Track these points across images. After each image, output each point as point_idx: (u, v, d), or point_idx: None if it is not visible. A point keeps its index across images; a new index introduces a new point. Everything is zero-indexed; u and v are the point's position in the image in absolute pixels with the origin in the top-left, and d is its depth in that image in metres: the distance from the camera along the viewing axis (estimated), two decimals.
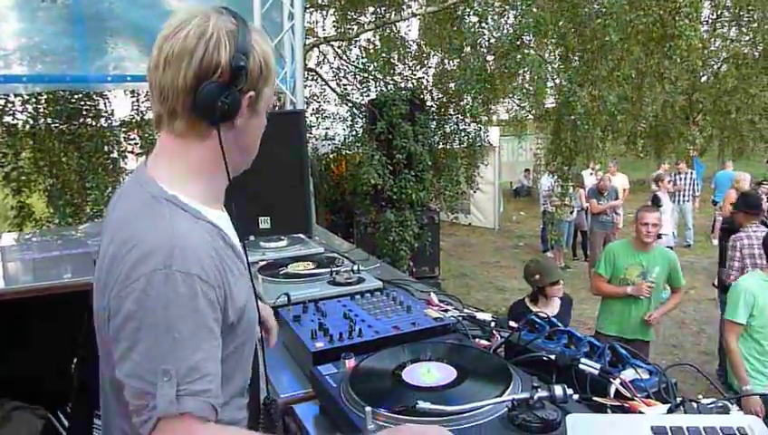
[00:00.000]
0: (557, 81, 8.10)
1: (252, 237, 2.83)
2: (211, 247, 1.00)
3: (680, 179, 10.27)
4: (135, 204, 1.03)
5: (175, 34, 0.99)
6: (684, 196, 10.23)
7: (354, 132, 7.55)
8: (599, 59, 6.98)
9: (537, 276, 3.68)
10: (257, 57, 1.03)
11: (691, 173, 10.41)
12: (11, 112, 6.06)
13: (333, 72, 9.12)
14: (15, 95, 5.82)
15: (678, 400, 1.12)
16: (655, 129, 14.75)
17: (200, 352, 0.93)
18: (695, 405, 1.09)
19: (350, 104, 7.74)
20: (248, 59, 1.01)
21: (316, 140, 8.17)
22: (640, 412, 1.11)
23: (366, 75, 7.67)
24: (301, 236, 2.88)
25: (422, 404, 1.05)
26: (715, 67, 14.63)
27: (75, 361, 1.06)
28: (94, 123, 6.48)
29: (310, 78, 8.83)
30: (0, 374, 2.78)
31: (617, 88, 7.21)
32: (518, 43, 7.00)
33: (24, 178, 5.97)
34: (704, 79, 14.53)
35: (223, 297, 1.00)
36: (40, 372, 2.60)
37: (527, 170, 16.68)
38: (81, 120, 6.37)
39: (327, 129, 8.28)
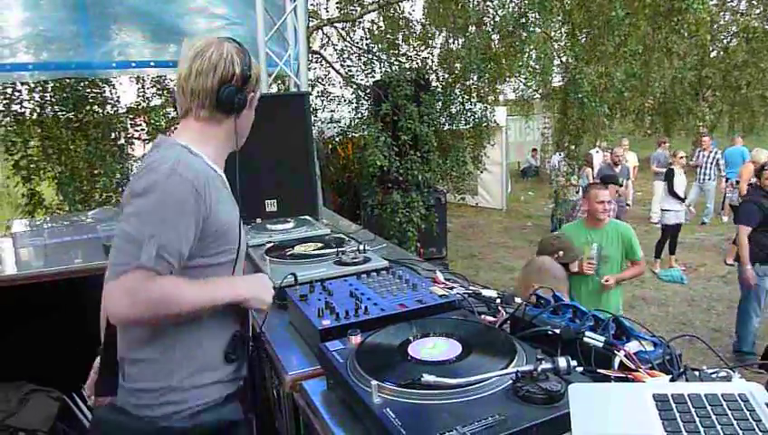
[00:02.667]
0: (563, 58, 8.02)
1: (259, 220, 2.85)
2: (207, 174, 1.41)
3: (703, 157, 9.99)
4: (153, 152, 1.45)
5: (201, 55, 1.44)
6: (706, 174, 10.03)
7: (359, 114, 7.53)
8: (605, 35, 6.90)
9: (561, 253, 3.63)
10: (255, 70, 1.53)
11: (715, 151, 10.06)
12: (18, 101, 6.09)
13: (337, 54, 9.07)
14: (22, 84, 5.84)
15: (681, 369, 1.13)
16: (663, 105, 14.60)
17: (174, 233, 1.31)
18: (696, 374, 1.10)
19: (354, 86, 7.70)
20: (251, 70, 1.50)
21: (322, 123, 8.15)
22: (643, 382, 1.12)
23: (370, 57, 7.63)
24: (307, 217, 2.90)
25: (427, 377, 1.07)
26: (725, 41, 14.39)
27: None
28: (101, 110, 6.52)
29: (314, 60, 8.79)
30: (15, 358, 2.84)
31: (624, 64, 7.13)
32: (523, 20, 6.92)
33: (33, 165, 6.02)
34: (713, 54, 14.30)
35: (207, 207, 1.37)
36: (54, 356, 2.65)
37: (534, 150, 16.59)
38: (88, 107, 6.41)
39: (332, 111, 8.26)
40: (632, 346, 1.24)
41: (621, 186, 7.54)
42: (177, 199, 1.32)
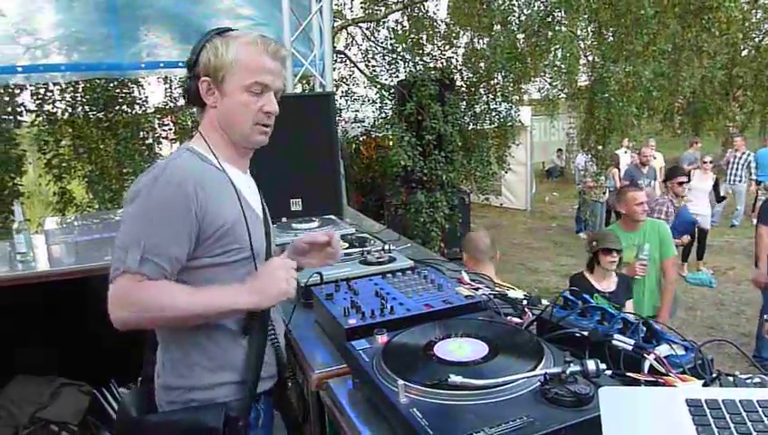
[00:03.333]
0: (590, 57, 7.91)
1: (284, 219, 2.87)
2: (202, 174, 1.37)
3: (735, 158, 9.76)
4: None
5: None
6: (737, 175, 9.80)
7: (383, 114, 7.53)
8: (633, 33, 6.79)
9: (594, 242, 3.71)
10: (207, 53, 1.40)
11: (747, 154, 9.83)
12: (51, 101, 6.23)
13: (362, 54, 9.08)
14: (54, 84, 5.97)
15: (714, 374, 1.11)
16: (693, 105, 14.29)
17: (161, 237, 1.30)
18: (731, 379, 1.07)
19: (378, 86, 7.70)
20: (197, 53, 1.41)
21: (346, 122, 8.17)
22: (675, 387, 1.10)
23: (395, 56, 7.62)
24: (332, 217, 2.91)
25: (454, 378, 1.07)
26: (757, 40, 14.03)
27: None
28: (129, 110, 6.64)
29: (338, 60, 8.81)
30: (47, 353, 2.91)
31: (652, 63, 7.00)
32: (549, 19, 6.85)
33: (64, 164, 6.15)
34: (744, 52, 13.95)
35: (200, 206, 1.32)
36: (84, 351, 2.71)
37: (560, 150, 16.39)
38: (117, 107, 6.54)
39: (356, 111, 8.28)
40: (663, 350, 1.22)
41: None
42: (163, 203, 1.30)
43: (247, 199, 1.46)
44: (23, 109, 5.98)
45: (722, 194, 7.96)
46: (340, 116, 7.85)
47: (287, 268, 1.40)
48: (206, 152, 1.43)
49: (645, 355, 1.20)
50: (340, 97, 8.31)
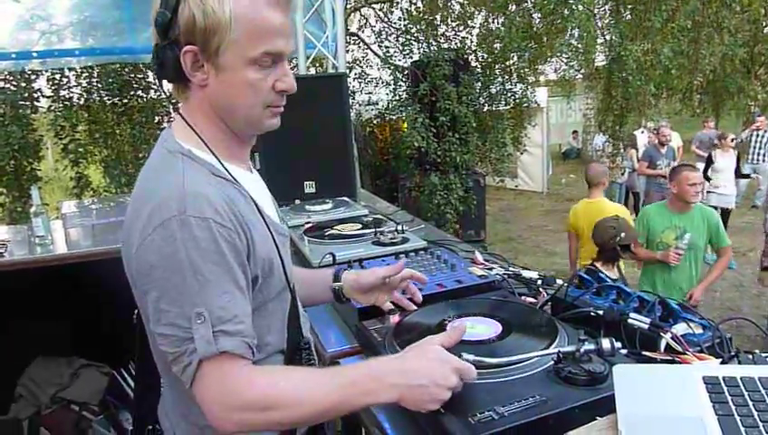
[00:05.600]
0: (607, 36, 7.76)
1: (297, 201, 2.87)
2: (225, 195, 1.00)
3: (758, 137, 9.53)
4: (153, 161, 1.07)
5: None
6: (760, 155, 9.58)
7: (397, 96, 7.49)
8: (651, 11, 6.63)
9: (623, 235, 3.53)
10: (190, 9, 0.96)
11: None
12: (66, 87, 6.27)
13: (375, 35, 9.01)
14: (69, 69, 6.01)
15: (732, 352, 1.09)
16: (713, 84, 13.99)
17: (226, 295, 0.94)
18: (750, 356, 1.05)
19: (392, 67, 7.65)
20: (175, 13, 0.97)
21: (359, 105, 8.13)
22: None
23: (408, 37, 7.55)
24: (345, 199, 2.90)
25: (466, 356, 1.06)
26: None
27: (135, 313, 1.14)
28: (144, 95, 6.66)
29: (352, 42, 8.75)
30: (68, 334, 2.96)
31: (671, 41, 6.85)
32: None
33: (81, 149, 6.20)
34: (766, 29, 13.60)
35: (245, 242, 1.00)
36: (103, 332, 2.74)
37: (575, 132, 16.20)
38: (132, 92, 6.57)
39: (370, 93, 8.24)
40: (680, 328, 1.20)
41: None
42: (206, 251, 0.94)
43: (265, 210, 1.11)
44: (39, 94, 6.02)
45: (744, 172, 7.80)
46: (353, 98, 7.82)
47: (454, 369, 0.96)
48: (204, 153, 1.05)
49: (661, 334, 1.19)
50: (354, 79, 8.27)
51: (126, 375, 3.01)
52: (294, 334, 1.16)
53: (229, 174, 1.05)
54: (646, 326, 1.22)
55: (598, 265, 3.63)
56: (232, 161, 1.09)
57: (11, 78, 5.71)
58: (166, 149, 1.05)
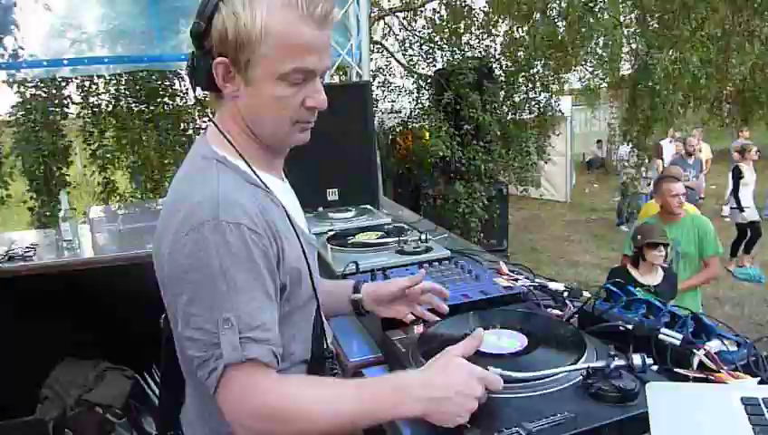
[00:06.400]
0: (633, 45, 7.67)
1: (320, 209, 2.88)
2: (258, 203, 1.01)
3: None
4: (187, 166, 1.08)
5: None
6: None
7: (420, 105, 7.48)
8: (680, 19, 6.54)
9: (639, 236, 3.58)
10: (224, 21, 0.97)
11: None
12: (95, 94, 6.41)
13: (399, 43, 9.03)
14: (98, 77, 6.13)
15: None
16: (742, 93, 13.72)
17: (255, 301, 0.94)
18: None
19: (415, 76, 7.65)
20: (210, 23, 0.98)
21: (382, 113, 8.15)
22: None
23: (432, 46, 7.55)
24: (368, 207, 2.90)
25: (492, 369, 1.04)
26: None
27: (163, 317, 1.14)
28: (170, 102, 6.77)
29: (375, 50, 8.78)
30: (93, 337, 2.99)
31: (700, 49, 6.74)
32: (591, 5, 6.66)
33: (108, 155, 6.32)
34: None
35: (275, 250, 1.00)
36: (128, 336, 2.77)
37: (599, 141, 16.02)
38: (159, 99, 6.68)
39: (393, 102, 8.25)
40: (713, 345, 1.16)
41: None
42: (238, 257, 0.93)
43: (296, 220, 1.11)
44: (69, 101, 6.15)
45: (743, 203, 7.64)
46: (376, 107, 7.83)
47: (479, 379, 0.95)
48: (238, 161, 1.05)
49: (694, 350, 1.15)
50: (377, 87, 8.29)
51: (149, 379, 3.03)
52: (318, 345, 1.15)
53: (262, 182, 1.05)
54: (678, 342, 1.18)
55: (630, 268, 3.63)
56: (265, 170, 1.10)
57: (42, 85, 5.85)
58: (200, 155, 1.06)
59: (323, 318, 1.20)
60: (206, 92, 1.09)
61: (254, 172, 1.05)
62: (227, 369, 0.91)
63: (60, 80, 5.84)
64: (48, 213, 5.83)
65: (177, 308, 0.97)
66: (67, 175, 6.13)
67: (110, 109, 6.52)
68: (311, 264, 1.10)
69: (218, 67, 1.00)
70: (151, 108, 6.62)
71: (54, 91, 5.99)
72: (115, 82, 6.42)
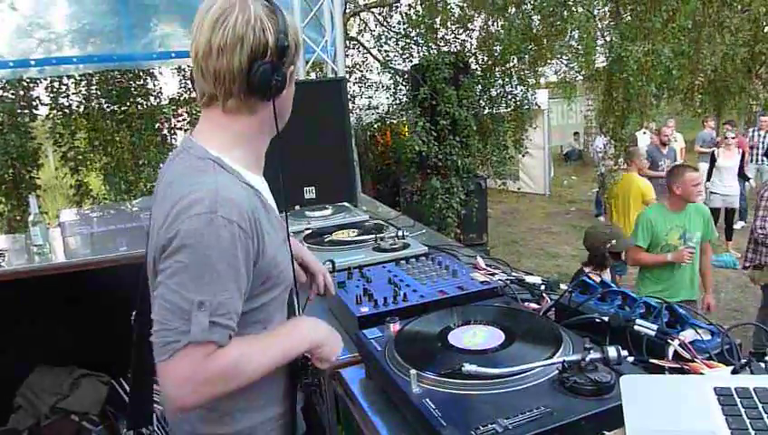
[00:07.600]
0: (607, 38, 7.73)
1: (297, 207, 2.85)
2: (250, 204, 1.12)
3: (760, 137, 9.39)
4: (183, 166, 1.16)
5: (223, 23, 1.08)
6: (762, 155, 9.49)
7: (397, 100, 7.46)
8: (651, 11, 6.60)
9: (614, 241, 3.60)
10: (292, 35, 1.14)
11: None
12: (65, 94, 6.27)
13: (375, 39, 8.99)
14: (68, 77, 6.00)
15: (744, 360, 1.05)
16: (714, 84, 13.94)
17: (228, 292, 1.06)
18: (762, 365, 1.02)
19: (392, 71, 7.62)
20: (288, 38, 1.13)
21: (360, 109, 8.11)
22: (701, 374, 1.05)
23: (408, 41, 7.53)
24: (346, 204, 2.88)
25: (468, 367, 1.03)
26: None
27: (134, 313, 1.24)
28: (144, 102, 6.66)
29: (351, 47, 8.73)
30: (66, 343, 2.93)
31: (672, 41, 6.81)
32: None
33: (80, 157, 6.20)
34: (767, 28, 13.55)
35: (256, 250, 1.12)
36: (102, 342, 2.72)
37: (576, 133, 16.17)
38: (132, 99, 6.56)
39: (370, 98, 8.21)
40: (688, 335, 1.17)
41: None
42: (224, 251, 1.04)
43: (278, 214, 1.25)
44: (38, 102, 6.02)
45: (747, 174, 7.79)
46: (353, 103, 7.79)
47: (337, 333, 1.32)
48: (232, 162, 1.17)
49: (669, 341, 1.15)
50: (354, 84, 8.25)
51: (125, 385, 2.98)
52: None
53: (253, 185, 1.18)
54: (653, 333, 1.19)
55: (587, 269, 3.64)
56: (252, 171, 1.22)
57: (8, 86, 5.70)
58: (195, 156, 1.16)
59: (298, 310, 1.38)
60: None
61: (245, 173, 1.18)
62: (189, 345, 1.02)
63: (27, 81, 5.70)
64: (18, 217, 5.70)
65: (161, 276, 1.06)
66: (37, 178, 5.99)
67: (81, 109, 6.39)
68: (286, 257, 1.24)
69: (290, 74, 1.19)
70: (124, 108, 6.49)
71: (22, 93, 5.85)
72: (86, 82, 6.29)
